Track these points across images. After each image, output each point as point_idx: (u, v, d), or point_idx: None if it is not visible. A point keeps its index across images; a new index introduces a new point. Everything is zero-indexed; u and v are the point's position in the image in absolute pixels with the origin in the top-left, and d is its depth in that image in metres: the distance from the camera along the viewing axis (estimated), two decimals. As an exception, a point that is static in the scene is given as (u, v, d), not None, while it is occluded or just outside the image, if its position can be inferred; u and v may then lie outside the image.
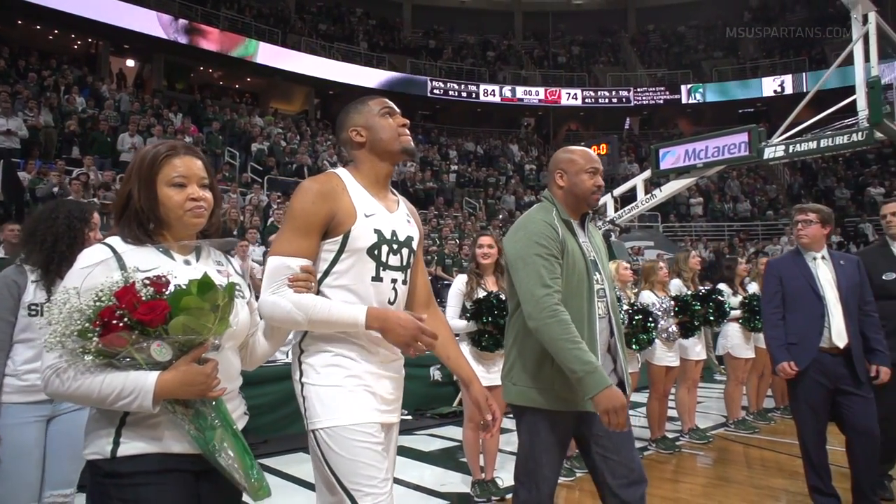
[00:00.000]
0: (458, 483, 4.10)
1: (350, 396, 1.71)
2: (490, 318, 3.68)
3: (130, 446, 1.39)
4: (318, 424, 1.69)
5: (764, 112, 22.92)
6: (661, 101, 25.15)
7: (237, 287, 1.49)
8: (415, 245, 1.91)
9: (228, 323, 1.39)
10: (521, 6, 28.99)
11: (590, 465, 2.28)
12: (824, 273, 3.43)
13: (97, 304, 1.28)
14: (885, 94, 6.87)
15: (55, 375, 1.34)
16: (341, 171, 1.83)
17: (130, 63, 20.39)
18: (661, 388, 5.11)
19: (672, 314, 5.09)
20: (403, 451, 4.38)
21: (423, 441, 5.10)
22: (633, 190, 8.97)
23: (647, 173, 9.01)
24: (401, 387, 1.87)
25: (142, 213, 1.48)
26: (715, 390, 7.35)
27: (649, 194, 8.59)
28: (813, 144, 7.85)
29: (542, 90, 24.68)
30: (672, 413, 5.64)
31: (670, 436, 5.19)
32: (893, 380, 3.50)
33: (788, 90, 22.83)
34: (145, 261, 1.43)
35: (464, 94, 24.19)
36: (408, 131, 1.85)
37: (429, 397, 6.23)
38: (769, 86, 23.45)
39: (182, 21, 18.72)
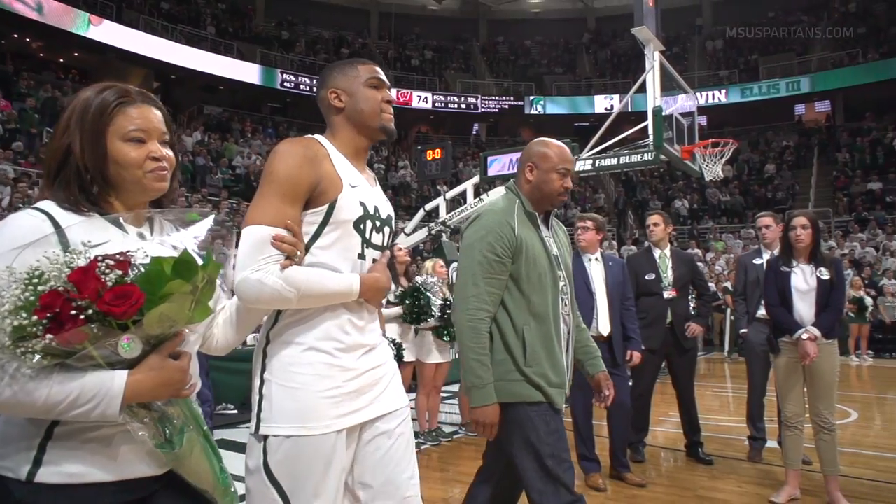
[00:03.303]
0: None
1: (317, 403, 1.47)
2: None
3: (56, 471, 1.07)
4: (274, 430, 1.46)
5: (596, 127, 24.97)
6: (507, 109, 26.61)
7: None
8: (393, 225, 1.74)
9: (209, 309, 1.13)
10: (377, 6, 29.23)
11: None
12: (597, 272, 4.07)
13: (37, 288, 0.97)
14: (665, 122, 8.05)
15: None
16: (319, 137, 1.63)
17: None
18: (431, 384, 5.37)
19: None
20: (226, 445, 4.44)
21: (246, 434, 5.24)
22: (465, 193, 9.60)
23: (477, 178, 9.67)
24: (390, 373, 1.66)
25: (85, 172, 1.18)
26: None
27: (478, 198, 9.28)
28: (614, 161, 8.94)
29: (393, 91, 24.50)
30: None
31: (447, 429, 5.58)
32: (646, 363, 4.27)
33: (616, 108, 25.19)
34: (92, 233, 1.11)
35: (315, 90, 23.92)
36: (391, 109, 1.68)
37: (255, 391, 6.28)
38: (601, 103, 25.70)
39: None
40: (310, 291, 1.45)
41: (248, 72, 22.52)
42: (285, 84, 23.36)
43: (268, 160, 1.53)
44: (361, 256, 1.58)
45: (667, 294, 4.46)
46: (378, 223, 1.63)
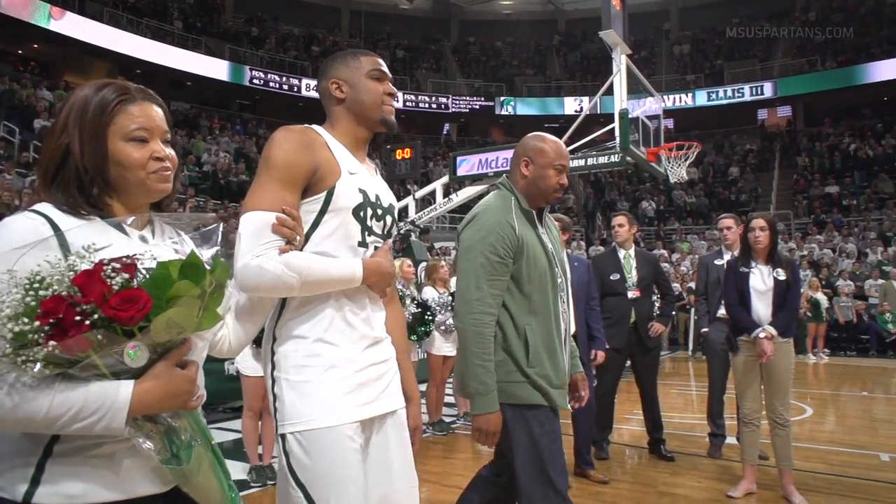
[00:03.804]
0: (238, 471, 4.15)
1: (331, 395, 1.47)
2: None
3: (55, 491, 1.00)
4: (291, 427, 1.45)
5: (566, 128, 25.21)
6: (478, 110, 26.71)
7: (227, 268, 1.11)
8: (395, 214, 1.73)
9: (218, 316, 1.06)
10: (348, 4, 29.05)
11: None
12: (562, 272, 4.12)
13: (38, 292, 0.92)
14: (632, 125, 8.20)
15: None
16: (317, 127, 1.61)
17: None
18: (439, 375, 5.63)
19: (449, 308, 5.63)
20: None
21: (215, 434, 5.19)
22: (434, 193, 9.64)
23: (446, 178, 9.72)
24: (392, 370, 1.64)
25: (85, 174, 1.13)
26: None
27: (447, 198, 9.31)
28: (582, 162, 9.07)
29: None
30: (449, 399, 6.25)
31: (447, 419, 5.74)
32: (610, 362, 4.33)
33: (585, 110, 25.52)
34: (93, 237, 1.05)
35: (285, 87, 23.68)
36: (393, 102, 1.68)
37: (223, 392, 6.22)
38: (570, 105, 25.96)
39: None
40: (312, 277, 1.43)
41: (216, 68, 22.16)
42: (254, 81, 23.07)
43: (265, 148, 1.52)
44: (363, 244, 1.56)
45: (631, 294, 4.54)
46: (379, 211, 1.61)
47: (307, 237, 1.51)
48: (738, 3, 27.57)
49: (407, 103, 25.89)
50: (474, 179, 9.65)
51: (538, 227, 2.19)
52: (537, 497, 2.03)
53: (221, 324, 1.35)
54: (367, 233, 1.57)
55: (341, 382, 1.48)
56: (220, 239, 1.13)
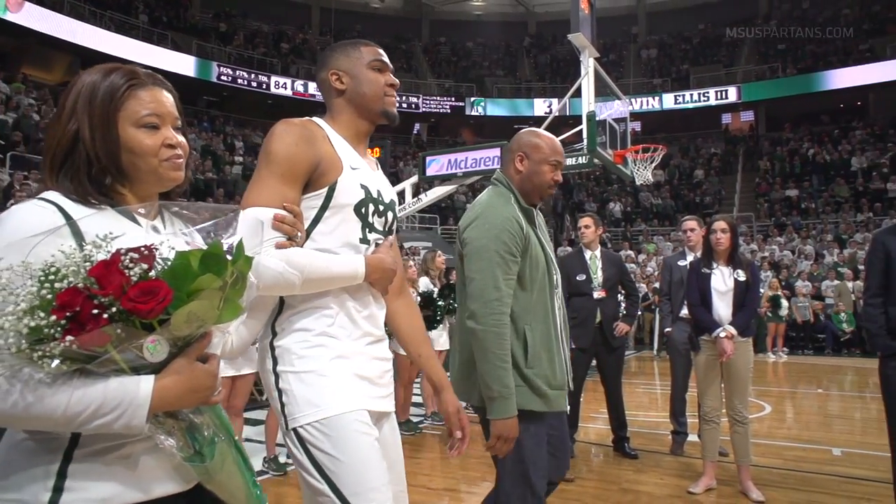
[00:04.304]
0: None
1: (342, 381, 1.44)
2: None
3: (81, 497, 0.96)
4: (304, 420, 1.40)
5: (535, 129, 25.60)
6: (448, 111, 26.76)
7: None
8: (396, 210, 1.70)
9: (240, 307, 1.02)
10: (319, 1, 28.81)
11: None
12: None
13: (53, 284, 0.87)
14: (599, 127, 8.32)
15: None
16: (318, 120, 1.58)
17: None
18: (407, 376, 5.65)
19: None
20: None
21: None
22: (403, 192, 9.63)
23: (416, 178, 9.72)
24: (391, 371, 1.62)
25: (97, 162, 1.09)
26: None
27: (416, 198, 9.32)
28: (550, 163, 9.15)
29: None
30: (416, 399, 6.26)
31: (414, 419, 5.76)
32: (575, 362, 4.36)
33: (554, 112, 25.79)
34: (106, 227, 0.99)
35: (254, 84, 23.38)
36: (395, 93, 1.64)
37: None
38: (540, 107, 26.15)
39: None
40: (313, 274, 1.40)
41: (182, 63, 21.74)
42: (222, 77, 22.71)
43: (264, 142, 1.48)
44: (364, 241, 1.54)
45: (596, 294, 4.61)
46: (381, 207, 1.58)
47: (307, 233, 1.48)
48: (703, 9, 28.19)
49: (377, 102, 25.75)
50: (443, 179, 9.67)
51: (536, 225, 2.16)
52: (515, 497, 2.02)
53: (243, 316, 1.30)
54: (368, 229, 1.54)
55: (350, 372, 1.45)
56: (237, 228, 1.10)
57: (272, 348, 1.47)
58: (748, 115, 26.37)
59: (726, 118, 26.83)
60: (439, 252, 6.60)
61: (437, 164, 9.45)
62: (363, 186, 1.53)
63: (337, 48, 1.64)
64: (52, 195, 1.05)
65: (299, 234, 1.42)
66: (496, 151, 8.97)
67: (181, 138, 1.17)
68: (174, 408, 0.98)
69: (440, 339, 5.95)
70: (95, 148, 1.09)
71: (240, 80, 22.98)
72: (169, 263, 0.93)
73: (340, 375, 1.44)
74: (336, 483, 1.37)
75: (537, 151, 2.15)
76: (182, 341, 0.98)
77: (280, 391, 1.43)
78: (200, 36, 23.76)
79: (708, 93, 24.64)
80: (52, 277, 0.87)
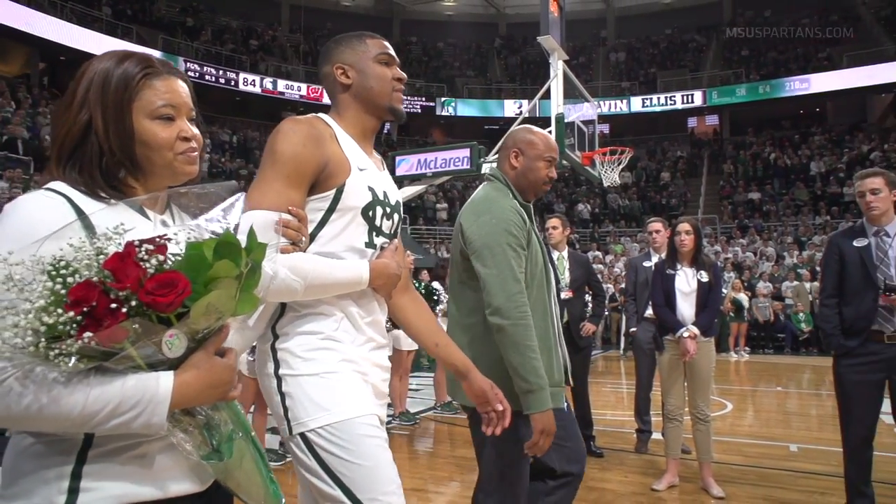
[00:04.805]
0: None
1: (351, 384, 1.39)
2: None
3: (98, 497, 0.93)
4: (314, 423, 1.35)
5: (506, 130, 25.54)
6: (419, 111, 26.75)
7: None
8: (402, 211, 1.65)
9: (256, 298, 0.98)
10: (288, -2, 28.55)
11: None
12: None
13: (66, 279, 0.84)
14: (567, 129, 8.41)
15: (3, 392, 0.85)
16: (324, 116, 1.53)
17: None
18: (404, 366, 5.79)
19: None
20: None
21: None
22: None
23: (386, 178, 9.71)
24: (388, 380, 1.58)
25: (111, 155, 1.04)
26: (427, 378, 8.19)
27: (386, 198, 9.29)
28: (520, 164, 9.22)
29: (304, 86, 24.49)
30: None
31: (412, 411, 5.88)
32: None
33: (524, 113, 25.99)
34: (116, 220, 0.95)
35: (221, 81, 23.01)
36: (402, 88, 1.58)
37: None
38: (510, 108, 26.33)
39: None
40: (317, 280, 1.35)
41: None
42: (189, 73, 22.24)
43: (269, 140, 1.43)
44: (370, 245, 1.49)
45: (563, 295, 4.66)
46: (388, 209, 1.54)
47: (312, 237, 1.43)
48: (671, 14, 28.71)
49: (347, 101, 25.60)
50: (413, 179, 9.66)
51: (533, 222, 2.14)
52: (496, 497, 2.03)
53: (261, 308, 1.25)
54: (375, 233, 1.50)
55: (357, 375, 1.42)
56: (241, 211, 1.05)
57: (274, 351, 1.42)
58: (713, 120, 26.95)
59: (692, 122, 27.38)
60: (408, 252, 6.60)
61: (407, 164, 9.43)
62: (371, 189, 1.48)
63: (342, 41, 1.59)
64: (59, 185, 1.01)
65: (304, 238, 1.38)
66: (466, 151, 8.99)
67: (196, 130, 1.13)
68: (193, 404, 0.95)
69: (407, 339, 5.96)
70: (109, 140, 1.04)
71: (207, 77, 22.58)
72: (182, 255, 0.91)
73: (349, 378, 1.40)
74: (350, 487, 1.33)
75: (532, 148, 2.14)
76: (200, 335, 0.94)
77: (283, 395, 1.38)
78: (167, 30, 23.30)
79: (675, 97, 25.11)
80: (63, 272, 0.83)
